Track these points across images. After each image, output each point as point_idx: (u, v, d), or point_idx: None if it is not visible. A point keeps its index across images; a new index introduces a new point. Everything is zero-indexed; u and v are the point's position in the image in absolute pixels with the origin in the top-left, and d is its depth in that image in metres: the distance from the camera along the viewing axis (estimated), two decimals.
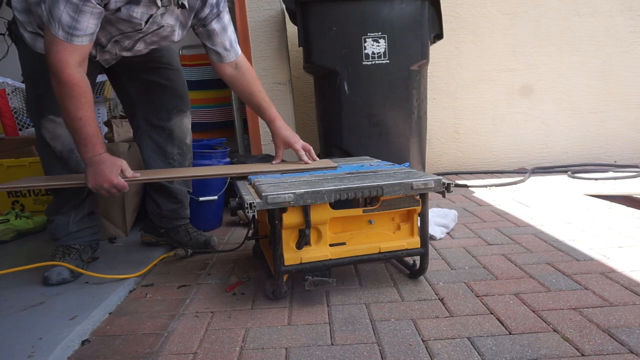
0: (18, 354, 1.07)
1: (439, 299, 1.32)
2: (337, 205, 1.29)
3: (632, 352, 1.00)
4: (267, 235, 1.42)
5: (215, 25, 1.57)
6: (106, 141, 2.15)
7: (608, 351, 1.01)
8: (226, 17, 1.59)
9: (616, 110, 3.31)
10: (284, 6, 2.70)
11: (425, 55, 2.44)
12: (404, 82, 2.42)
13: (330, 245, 1.33)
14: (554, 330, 1.11)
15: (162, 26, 1.48)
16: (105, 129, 2.30)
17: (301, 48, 2.45)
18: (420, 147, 2.59)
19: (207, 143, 2.25)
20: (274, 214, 1.25)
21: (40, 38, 1.45)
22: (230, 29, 1.62)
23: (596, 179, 2.81)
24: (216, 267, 1.69)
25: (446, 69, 3.29)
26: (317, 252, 1.31)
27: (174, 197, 1.84)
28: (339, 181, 1.33)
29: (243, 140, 3.21)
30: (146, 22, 1.42)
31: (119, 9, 1.34)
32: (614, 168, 3.09)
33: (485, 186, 2.79)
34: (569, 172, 3.01)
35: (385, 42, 2.36)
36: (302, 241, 1.29)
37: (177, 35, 1.55)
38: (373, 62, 2.37)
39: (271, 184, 1.34)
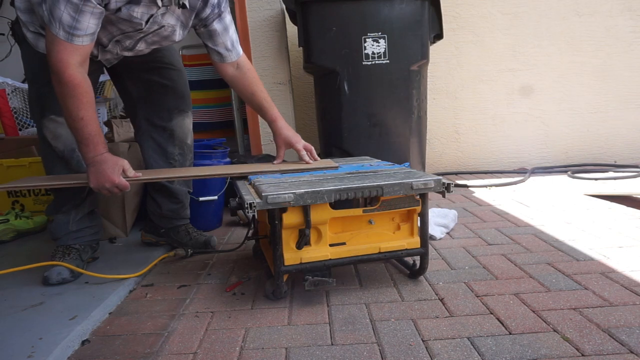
0: (18, 354, 1.07)
1: (439, 299, 1.32)
2: (337, 205, 1.29)
3: (632, 352, 1.00)
4: (267, 235, 1.42)
5: (216, 26, 1.57)
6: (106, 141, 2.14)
7: (608, 351, 1.01)
8: (228, 17, 1.59)
9: (616, 110, 3.31)
10: (284, 6, 2.70)
11: (425, 55, 2.44)
12: (404, 82, 2.42)
13: (330, 245, 1.33)
14: (554, 330, 1.11)
15: (163, 26, 1.48)
16: (105, 129, 2.30)
17: (301, 48, 2.45)
18: (420, 147, 2.59)
19: (207, 143, 2.25)
20: (274, 214, 1.25)
21: (43, 38, 1.45)
22: (232, 29, 1.62)
23: (596, 179, 2.81)
24: (216, 267, 1.69)
25: (446, 69, 3.29)
26: (317, 252, 1.31)
27: (174, 197, 1.84)
28: (339, 181, 1.33)
29: (243, 140, 3.21)
30: (147, 22, 1.42)
31: (119, 9, 1.34)
32: (614, 168, 3.09)
33: (485, 186, 2.79)
34: (569, 172, 3.01)
35: (385, 42, 2.36)
36: (302, 241, 1.29)
37: (178, 35, 1.55)
38: (373, 62, 2.37)
39: (271, 184, 1.34)
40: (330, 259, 1.32)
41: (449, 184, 1.32)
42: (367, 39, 2.35)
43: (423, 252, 1.41)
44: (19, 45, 1.56)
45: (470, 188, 2.78)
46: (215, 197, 2.16)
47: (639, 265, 1.47)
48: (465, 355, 1.03)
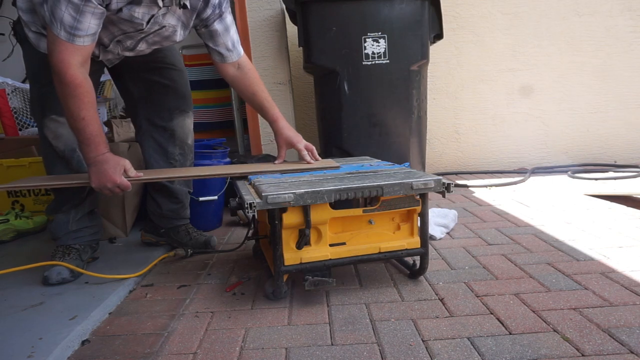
0: (18, 354, 1.07)
1: (439, 299, 1.32)
2: (337, 205, 1.29)
3: (632, 352, 1.00)
4: (267, 235, 1.42)
5: (217, 26, 1.57)
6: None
7: (608, 351, 1.01)
8: (228, 17, 1.59)
9: (616, 110, 3.31)
10: (284, 6, 2.70)
11: (425, 55, 2.44)
12: (404, 82, 2.42)
13: (330, 245, 1.33)
14: (554, 330, 1.11)
15: (164, 26, 1.48)
16: (105, 129, 2.30)
17: (301, 48, 2.45)
18: (420, 147, 2.59)
19: (207, 143, 2.25)
20: (274, 214, 1.25)
21: (44, 38, 1.45)
22: (233, 30, 1.62)
23: (596, 179, 2.81)
24: (216, 267, 1.69)
25: (446, 69, 3.29)
26: (317, 252, 1.31)
27: (174, 197, 1.84)
28: (339, 181, 1.33)
29: (243, 140, 3.21)
30: (147, 22, 1.42)
31: (120, 9, 1.35)
32: (614, 168, 3.09)
33: (485, 186, 2.79)
34: (569, 172, 3.01)
35: (385, 42, 2.36)
36: (302, 241, 1.29)
37: (179, 35, 1.55)
38: (373, 62, 2.37)
39: (271, 184, 1.34)
40: (330, 259, 1.32)
41: (449, 184, 1.32)
42: (367, 39, 2.35)
43: (423, 252, 1.41)
44: (21, 45, 1.57)
45: (470, 188, 2.78)
46: (215, 197, 2.16)
47: (639, 265, 1.47)
48: (465, 355, 1.03)
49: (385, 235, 1.38)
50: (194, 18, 1.53)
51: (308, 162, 1.65)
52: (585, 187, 2.61)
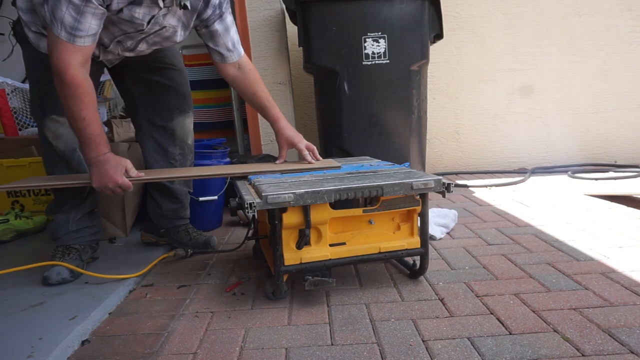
0: (18, 354, 1.07)
1: (439, 299, 1.32)
2: (337, 205, 1.29)
3: (632, 352, 1.00)
4: (267, 235, 1.42)
5: (217, 26, 1.57)
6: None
7: (608, 351, 1.01)
8: (229, 17, 1.59)
9: (616, 110, 3.31)
10: (284, 6, 2.70)
11: (425, 55, 2.44)
12: (404, 82, 2.42)
13: (330, 245, 1.33)
14: (554, 330, 1.11)
15: (164, 27, 1.48)
16: (105, 129, 2.30)
17: (301, 48, 2.45)
18: (420, 147, 2.59)
19: (207, 143, 2.25)
20: (274, 214, 1.25)
21: (44, 38, 1.45)
22: (233, 30, 1.62)
23: (596, 179, 2.81)
24: (216, 267, 1.69)
25: (446, 69, 3.29)
26: (317, 252, 1.31)
27: (174, 197, 1.84)
28: (339, 181, 1.33)
29: (243, 140, 3.21)
30: (148, 23, 1.42)
31: (121, 10, 1.35)
32: (614, 168, 3.09)
33: (485, 186, 2.79)
34: (569, 172, 3.01)
35: (385, 42, 2.36)
36: (302, 241, 1.29)
37: (180, 36, 1.55)
38: (373, 62, 2.37)
39: (271, 184, 1.34)
40: (330, 259, 1.32)
41: (449, 184, 1.32)
42: (367, 39, 2.35)
43: (423, 252, 1.41)
44: (21, 45, 1.57)
45: (470, 188, 2.78)
46: (215, 197, 2.16)
47: (639, 265, 1.47)
48: (465, 355, 1.03)
49: (385, 235, 1.38)
50: (194, 18, 1.53)
51: (309, 162, 1.65)
52: (585, 187, 2.61)
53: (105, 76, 2.36)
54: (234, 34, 1.62)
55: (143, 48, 1.56)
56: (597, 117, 3.32)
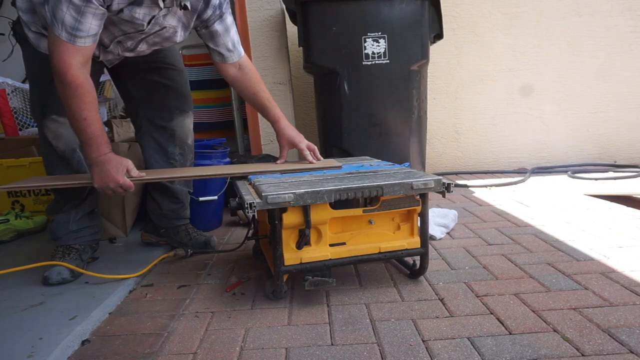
0: (18, 354, 1.07)
1: (439, 299, 1.32)
2: (337, 205, 1.29)
3: (632, 352, 1.00)
4: (267, 235, 1.42)
5: (218, 27, 1.57)
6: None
7: (608, 351, 1.01)
8: (229, 18, 1.59)
9: (616, 110, 3.31)
10: (284, 6, 2.70)
11: (425, 55, 2.44)
12: (404, 82, 2.42)
13: (330, 245, 1.33)
14: (554, 330, 1.11)
15: (164, 27, 1.48)
16: (105, 129, 2.30)
17: (301, 48, 2.45)
18: (420, 147, 2.59)
19: (207, 143, 2.25)
20: (274, 214, 1.25)
21: (44, 38, 1.45)
22: (233, 30, 1.62)
23: (596, 179, 2.81)
24: (216, 267, 1.69)
25: (446, 69, 3.29)
26: (317, 252, 1.31)
27: (174, 197, 1.84)
28: (338, 181, 1.33)
29: (243, 140, 3.21)
30: (148, 23, 1.42)
31: (121, 10, 1.35)
32: (614, 168, 3.09)
33: (485, 186, 2.79)
34: (569, 172, 3.01)
35: (385, 42, 2.36)
36: (302, 241, 1.29)
37: (180, 36, 1.55)
38: (373, 62, 2.37)
39: (271, 184, 1.34)
40: (330, 259, 1.32)
41: (449, 184, 1.32)
42: (367, 39, 2.35)
43: (423, 252, 1.41)
44: (20, 45, 1.57)
45: (470, 188, 2.78)
46: (215, 197, 2.16)
47: (639, 265, 1.47)
48: (465, 355, 1.03)
49: (385, 235, 1.38)
50: (194, 19, 1.53)
51: (310, 162, 1.65)
52: (585, 187, 2.61)
53: (105, 76, 2.36)
54: (234, 34, 1.62)
55: (143, 48, 1.56)
56: (597, 117, 3.32)
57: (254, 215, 1.21)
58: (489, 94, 3.32)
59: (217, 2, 1.52)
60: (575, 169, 3.10)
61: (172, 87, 1.75)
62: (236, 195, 1.40)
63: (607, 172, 3.01)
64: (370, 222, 1.37)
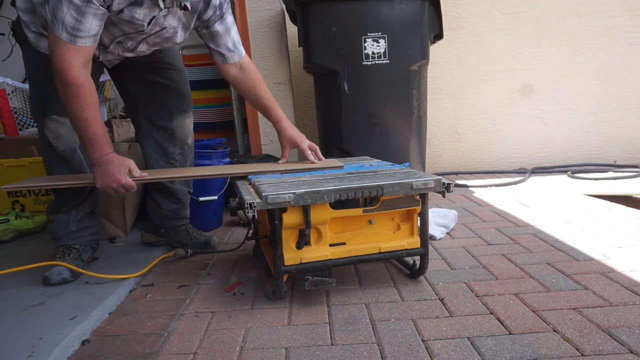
0: (18, 354, 1.07)
1: (439, 299, 1.32)
2: (337, 205, 1.29)
3: (632, 352, 1.00)
4: (267, 235, 1.42)
5: (218, 27, 1.57)
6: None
7: (608, 351, 1.01)
8: (229, 18, 1.59)
9: (616, 110, 3.31)
10: (284, 6, 2.70)
11: (425, 55, 2.44)
12: (404, 82, 2.42)
13: (330, 245, 1.33)
14: (554, 330, 1.11)
15: (165, 27, 1.48)
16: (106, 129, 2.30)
17: (301, 48, 2.45)
18: (420, 147, 2.59)
19: (207, 143, 2.25)
20: (274, 214, 1.25)
21: (44, 38, 1.45)
22: (234, 30, 1.62)
23: (596, 179, 2.81)
24: (216, 267, 1.69)
25: (446, 69, 3.29)
26: (317, 252, 1.31)
27: (174, 197, 1.84)
28: (338, 181, 1.33)
29: (243, 140, 3.21)
30: (148, 24, 1.42)
31: (121, 11, 1.35)
32: (614, 168, 3.09)
33: (485, 186, 2.79)
34: (569, 172, 3.01)
35: (385, 42, 2.36)
36: (302, 241, 1.29)
37: (180, 36, 1.55)
38: (373, 62, 2.37)
39: (271, 184, 1.34)
40: (330, 259, 1.32)
41: (449, 184, 1.32)
42: (367, 39, 2.35)
43: (423, 252, 1.41)
44: (20, 45, 1.57)
45: (470, 188, 2.78)
46: (215, 197, 2.16)
47: (639, 265, 1.47)
48: (465, 355, 1.03)
49: (385, 235, 1.38)
50: (194, 19, 1.53)
51: (312, 162, 1.65)
52: (585, 187, 2.61)
53: (105, 76, 2.36)
54: (234, 34, 1.62)
55: (143, 49, 1.56)
56: (597, 117, 3.32)
57: (254, 215, 1.21)
58: (489, 94, 3.32)
59: (218, 2, 1.52)
60: (575, 169, 3.10)
61: (172, 87, 1.75)
62: (236, 195, 1.40)
63: (607, 172, 3.01)
64: (370, 222, 1.37)
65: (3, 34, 3.55)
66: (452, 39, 3.22)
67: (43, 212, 2.32)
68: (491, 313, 1.21)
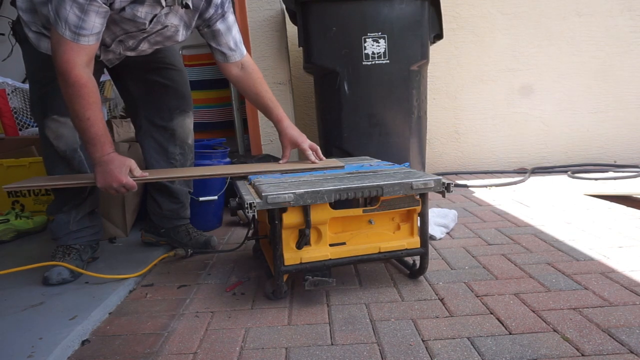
0: (18, 354, 1.07)
1: (439, 299, 1.32)
2: (337, 205, 1.29)
3: (632, 352, 1.00)
4: (267, 235, 1.42)
5: (220, 26, 1.57)
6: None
7: (608, 351, 1.01)
8: (231, 17, 1.59)
9: (616, 110, 3.31)
10: (284, 6, 2.70)
11: (425, 55, 2.44)
12: (404, 82, 2.42)
13: (330, 245, 1.33)
14: (554, 330, 1.11)
15: (166, 26, 1.48)
16: None
17: (301, 48, 2.45)
18: (420, 147, 2.59)
19: (207, 143, 2.25)
20: (274, 214, 1.25)
21: (45, 38, 1.45)
22: (235, 29, 1.62)
23: (596, 179, 2.81)
24: (216, 267, 1.69)
25: (446, 69, 3.29)
26: (317, 252, 1.31)
27: (174, 197, 1.84)
28: (338, 181, 1.33)
29: (243, 140, 3.21)
30: (150, 22, 1.42)
31: (123, 9, 1.35)
32: (614, 168, 3.09)
33: (485, 186, 2.79)
34: (569, 172, 3.01)
35: (385, 42, 2.36)
36: (302, 241, 1.29)
37: (181, 35, 1.55)
38: (373, 62, 2.37)
39: (271, 184, 1.34)
40: (330, 259, 1.32)
41: (449, 184, 1.32)
42: (367, 39, 2.35)
43: (423, 252, 1.41)
44: (20, 45, 1.56)
45: (470, 188, 2.78)
46: (215, 197, 2.16)
47: (639, 265, 1.47)
48: (465, 355, 1.03)
49: (385, 235, 1.38)
50: (196, 18, 1.53)
51: (312, 162, 1.65)
52: (585, 187, 2.61)
53: (105, 76, 2.36)
54: (236, 33, 1.62)
55: (145, 47, 1.56)
56: (597, 117, 3.32)
57: (254, 215, 1.21)
58: (489, 94, 3.32)
59: (219, 1, 1.52)
60: (575, 169, 3.10)
61: (172, 87, 1.75)
62: (236, 195, 1.40)
63: (607, 172, 3.01)
64: (370, 222, 1.37)
65: (3, 34, 3.55)
66: (452, 39, 3.22)
67: (43, 212, 2.32)
68: (491, 313, 1.21)
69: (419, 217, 1.40)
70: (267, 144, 2.85)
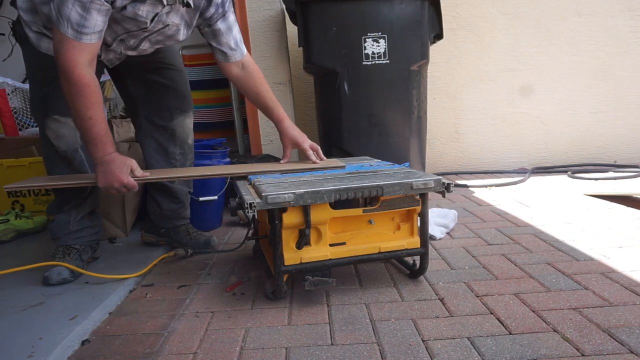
0: (18, 354, 1.07)
1: (439, 299, 1.32)
2: (337, 205, 1.29)
3: (632, 352, 1.00)
4: (267, 235, 1.42)
5: (220, 25, 1.57)
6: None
7: (608, 351, 1.01)
8: (231, 16, 1.60)
9: (616, 110, 3.31)
10: (284, 6, 2.70)
11: (425, 55, 2.44)
12: (404, 82, 2.42)
13: (330, 245, 1.33)
14: (554, 330, 1.11)
15: (167, 25, 1.48)
16: None
17: (301, 48, 2.45)
18: (420, 147, 2.59)
19: (207, 143, 2.26)
20: (274, 214, 1.25)
21: (45, 38, 1.45)
22: (236, 29, 1.62)
23: (596, 179, 2.81)
24: (216, 267, 1.69)
25: (446, 69, 3.29)
26: (317, 252, 1.31)
27: (174, 197, 1.84)
28: (338, 181, 1.33)
29: (243, 140, 3.21)
30: (151, 21, 1.42)
31: (124, 7, 1.35)
32: (614, 168, 3.09)
33: (485, 186, 2.79)
34: (569, 172, 3.01)
35: (385, 42, 2.36)
36: (302, 241, 1.29)
37: (182, 34, 1.55)
38: (373, 62, 2.37)
39: (271, 184, 1.34)
40: (330, 259, 1.32)
41: (449, 184, 1.32)
42: (367, 39, 2.35)
43: (423, 252, 1.41)
44: (20, 45, 1.56)
45: (470, 188, 2.78)
46: (215, 197, 2.17)
47: (639, 265, 1.47)
48: (465, 355, 1.03)
49: (385, 235, 1.38)
50: (197, 17, 1.53)
51: (313, 162, 1.65)
52: (585, 187, 2.61)
53: (105, 76, 2.36)
54: (236, 32, 1.62)
55: (145, 47, 1.56)
56: (597, 117, 3.32)
57: (254, 215, 1.21)
58: (489, 94, 3.32)
59: (220, 0, 1.52)
60: (575, 169, 3.10)
61: (172, 87, 1.75)
62: (236, 195, 1.40)
63: (607, 172, 3.01)
64: (370, 222, 1.37)
65: (3, 34, 3.55)
66: (452, 39, 3.22)
67: (43, 212, 2.32)
68: (491, 313, 1.21)
69: (419, 217, 1.40)
70: (267, 144, 2.85)
